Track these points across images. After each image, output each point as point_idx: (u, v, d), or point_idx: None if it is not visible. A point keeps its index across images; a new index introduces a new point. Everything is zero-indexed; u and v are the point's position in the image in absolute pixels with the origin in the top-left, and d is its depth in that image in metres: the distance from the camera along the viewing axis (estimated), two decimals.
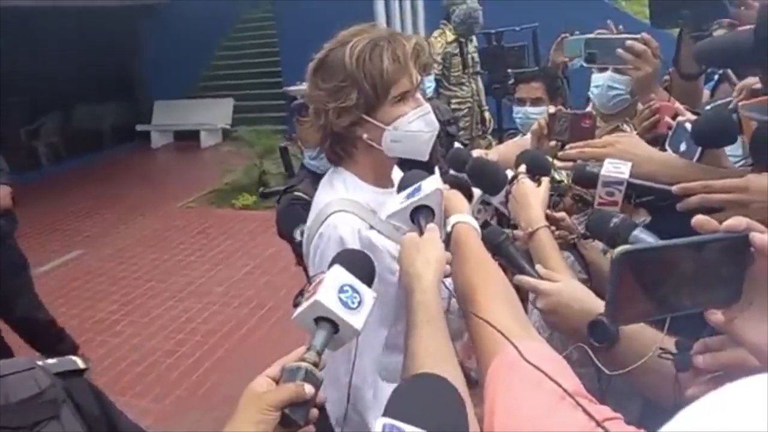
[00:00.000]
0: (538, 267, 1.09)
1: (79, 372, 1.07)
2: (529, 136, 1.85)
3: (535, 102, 2.42)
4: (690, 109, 1.50)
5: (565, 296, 1.01)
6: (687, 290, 0.64)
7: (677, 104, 1.56)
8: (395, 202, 1.08)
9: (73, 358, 1.10)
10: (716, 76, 2.09)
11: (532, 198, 1.20)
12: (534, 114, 2.37)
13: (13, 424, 0.90)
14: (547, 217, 1.24)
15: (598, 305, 0.96)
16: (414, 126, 1.25)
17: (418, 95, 1.28)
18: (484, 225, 1.20)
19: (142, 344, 4.07)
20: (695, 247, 0.64)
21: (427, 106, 1.29)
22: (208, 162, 8.58)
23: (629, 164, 1.17)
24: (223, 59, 10.77)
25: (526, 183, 1.24)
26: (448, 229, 1.09)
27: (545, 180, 1.26)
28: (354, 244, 1.19)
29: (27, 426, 0.91)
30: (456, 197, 1.14)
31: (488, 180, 1.28)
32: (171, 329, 4.24)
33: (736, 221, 0.63)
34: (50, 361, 1.09)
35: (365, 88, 1.20)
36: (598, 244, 1.50)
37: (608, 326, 0.92)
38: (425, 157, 1.31)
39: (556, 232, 1.33)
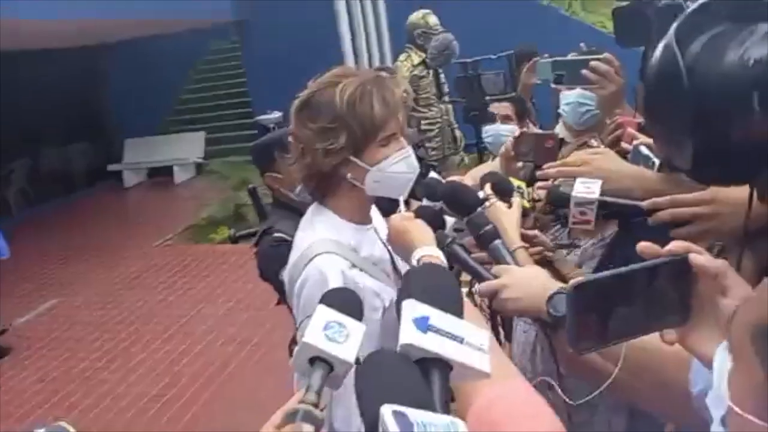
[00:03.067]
0: (494, 268, 1.11)
1: None
2: (498, 159, 1.89)
3: (505, 119, 2.48)
4: None
5: (521, 276, 1.05)
6: (640, 315, 0.67)
7: (638, 119, 1.61)
8: None
9: (62, 424, 1.08)
10: None
11: (505, 221, 1.23)
12: (504, 131, 2.42)
13: None
14: (522, 237, 1.27)
15: (555, 283, 1.00)
16: (396, 168, 1.29)
17: (401, 138, 1.31)
18: (463, 250, 1.21)
19: (128, 391, 3.99)
20: (643, 273, 0.68)
21: (409, 149, 1.32)
22: (184, 197, 8.53)
23: (599, 182, 1.20)
24: (192, 92, 10.75)
25: (498, 206, 1.27)
26: (414, 262, 1.10)
27: (516, 201, 1.30)
28: (338, 284, 1.19)
29: None
30: (419, 229, 1.15)
31: (462, 203, 1.30)
32: (157, 373, 4.16)
33: (676, 245, 0.68)
34: (39, 431, 1.06)
35: (354, 131, 1.23)
36: (572, 258, 1.53)
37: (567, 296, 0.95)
38: (404, 197, 1.34)
39: (532, 249, 1.36)
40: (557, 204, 1.28)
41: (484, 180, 1.35)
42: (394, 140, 1.28)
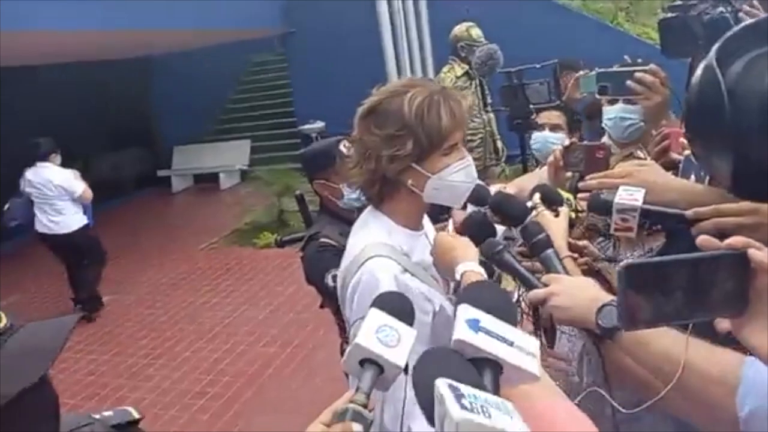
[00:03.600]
0: (544, 277, 1.11)
1: (135, 422, 1.12)
2: (545, 168, 1.90)
3: (554, 128, 2.45)
4: None
5: (571, 286, 1.05)
6: (692, 300, 0.69)
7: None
8: None
9: (128, 408, 1.15)
10: None
11: (553, 229, 1.24)
12: (552, 139, 2.39)
13: None
14: (570, 246, 1.27)
15: (606, 294, 1.01)
16: (456, 177, 1.32)
17: (462, 147, 1.35)
18: (513, 259, 1.22)
19: (172, 387, 4.13)
20: (698, 263, 0.70)
21: (469, 159, 1.36)
22: (228, 203, 8.73)
23: (643, 191, 1.21)
24: (238, 102, 11.04)
25: (545, 215, 1.29)
26: (457, 277, 1.13)
27: (564, 210, 1.31)
28: (391, 287, 1.22)
29: None
30: (463, 245, 1.18)
31: (509, 213, 1.33)
32: (200, 371, 4.29)
33: (735, 240, 0.70)
34: (106, 413, 1.14)
35: (421, 139, 1.26)
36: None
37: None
38: (460, 205, 1.39)
39: (580, 260, 1.37)
40: (596, 210, 1.28)
41: (534, 190, 1.37)
42: (456, 150, 1.32)
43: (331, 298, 2.01)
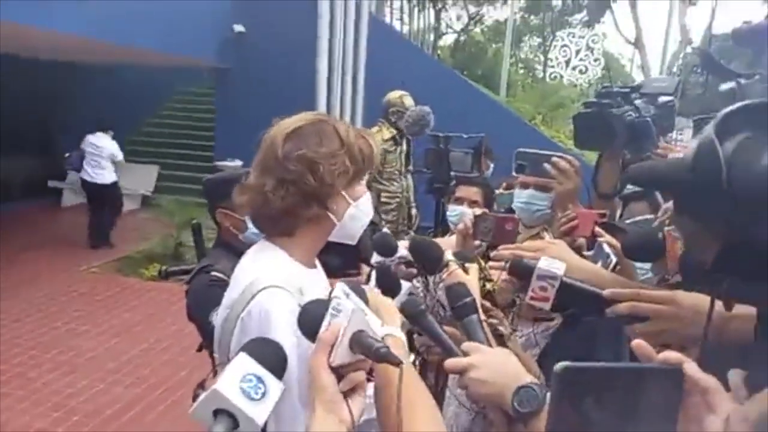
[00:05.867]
0: (464, 345, 1.06)
1: None
2: (454, 236, 1.90)
3: (472, 204, 2.50)
4: (609, 223, 1.61)
5: (492, 360, 1.00)
6: (621, 413, 0.66)
7: (595, 212, 1.67)
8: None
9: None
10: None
11: (470, 286, 1.20)
12: (470, 215, 2.44)
13: None
14: (481, 306, 1.24)
15: (525, 373, 0.97)
16: (366, 208, 1.30)
17: None
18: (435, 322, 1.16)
19: (14, 419, 3.61)
20: (632, 373, 0.67)
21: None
22: (123, 227, 8.18)
23: (564, 264, 1.21)
24: (156, 126, 10.64)
25: (458, 272, 1.25)
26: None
27: (473, 268, 1.28)
28: (287, 322, 1.11)
29: None
30: (387, 307, 1.09)
31: (428, 257, 1.31)
32: (47, 406, 3.79)
33: (669, 355, 0.67)
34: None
35: (357, 161, 1.24)
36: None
37: (536, 393, 0.91)
38: (355, 241, 1.32)
39: (487, 321, 1.35)
40: (516, 274, 1.26)
41: (410, 248, 1.35)
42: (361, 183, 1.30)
43: (211, 339, 1.84)
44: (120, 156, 7.58)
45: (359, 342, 0.86)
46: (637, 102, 1.67)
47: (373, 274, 1.26)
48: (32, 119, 9.43)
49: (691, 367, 0.66)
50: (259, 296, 1.16)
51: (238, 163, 7.40)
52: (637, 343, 0.69)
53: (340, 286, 0.92)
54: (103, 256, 6.98)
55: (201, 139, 9.92)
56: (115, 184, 7.55)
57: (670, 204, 1.22)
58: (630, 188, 1.95)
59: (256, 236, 2.05)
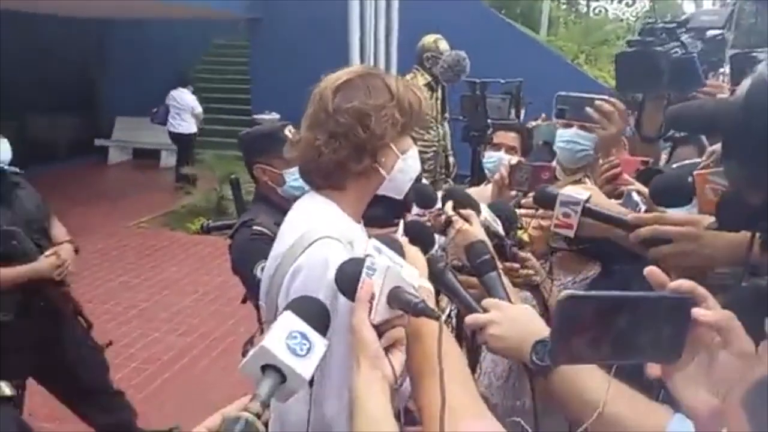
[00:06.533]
0: (484, 301, 1.07)
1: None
2: (490, 185, 1.86)
3: (510, 150, 2.45)
4: (651, 169, 1.55)
5: (512, 315, 1.02)
6: (628, 341, 0.66)
7: (639, 159, 1.61)
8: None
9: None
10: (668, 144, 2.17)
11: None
12: (507, 161, 2.40)
13: None
14: (515, 257, 1.26)
15: (545, 328, 0.98)
16: (413, 161, 1.31)
17: None
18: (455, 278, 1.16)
19: None
20: (640, 302, 0.66)
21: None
22: (166, 182, 8.39)
23: (589, 193, 1.22)
24: (193, 82, 10.69)
25: (467, 230, 1.22)
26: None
27: (473, 216, 1.24)
28: None
29: None
30: (415, 257, 1.07)
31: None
32: (107, 354, 4.01)
33: (680, 284, 0.67)
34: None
35: (406, 112, 1.24)
36: (555, 291, 1.51)
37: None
38: (402, 195, 1.33)
39: (522, 271, 1.35)
40: (540, 203, 1.27)
41: (444, 197, 1.30)
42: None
43: (256, 292, 1.89)
44: (199, 109, 8.41)
45: (397, 297, 0.88)
46: (684, 38, 1.56)
47: (401, 226, 1.25)
48: (74, 79, 9.61)
49: (700, 310, 0.65)
50: (314, 246, 1.17)
51: (276, 116, 7.41)
52: (650, 269, 0.69)
53: (372, 243, 0.93)
54: (151, 210, 7.19)
55: (238, 92, 9.93)
56: (193, 134, 8.55)
57: (716, 147, 1.16)
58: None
59: (294, 190, 2.08)
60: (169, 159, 9.44)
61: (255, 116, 8.33)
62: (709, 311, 0.65)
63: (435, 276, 1.10)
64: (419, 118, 1.29)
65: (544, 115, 2.39)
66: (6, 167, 2.67)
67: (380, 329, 0.88)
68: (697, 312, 0.65)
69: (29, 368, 2.62)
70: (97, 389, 2.91)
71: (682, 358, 0.67)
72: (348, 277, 0.92)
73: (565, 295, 0.65)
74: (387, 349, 0.87)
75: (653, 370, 0.68)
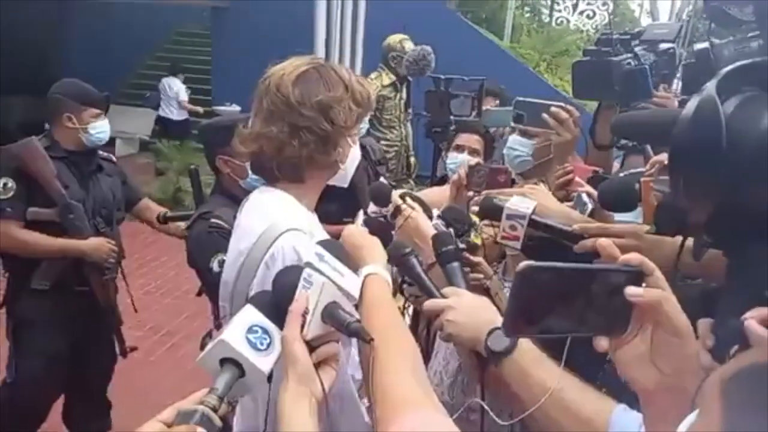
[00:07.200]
0: (445, 289, 1.09)
1: None
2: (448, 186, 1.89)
3: (472, 153, 2.48)
4: (604, 174, 1.61)
5: (470, 303, 1.04)
6: (580, 315, 0.67)
7: (591, 168, 1.66)
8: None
9: None
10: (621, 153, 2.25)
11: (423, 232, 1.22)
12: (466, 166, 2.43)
13: None
14: (466, 261, 1.26)
15: (501, 319, 0.99)
16: (357, 150, 1.33)
17: None
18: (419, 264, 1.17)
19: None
20: (595, 273, 0.68)
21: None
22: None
23: (534, 203, 1.24)
24: (153, 69, 10.42)
25: (416, 218, 1.24)
26: (360, 278, 1.05)
27: (417, 207, 1.27)
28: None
29: None
30: (371, 245, 1.10)
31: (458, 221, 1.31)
32: None
33: (631, 256, 0.68)
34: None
35: (360, 103, 1.24)
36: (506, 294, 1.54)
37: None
38: (347, 183, 1.35)
39: (471, 275, 1.36)
40: (486, 214, 1.30)
41: (440, 216, 1.33)
42: None
43: (212, 286, 1.86)
44: (183, 98, 8.89)
45: (331, 315, 0.87)
46: (638, 49, 1.62)
47: (359, 221, 1.26)
48: (28, 61, 9.23)
49: (648, 266, 0.67)
50: (282, 239, 1.16)
51: (236, 108, 7.30)
52: (601, 241, 0.72)
53: (314, 248, 0.92)
54: None
55: (199, 82, 9.74)
56: (185, 121, 9.03)
57: (660, 157, 1.21)
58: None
59: (257, 182, 2.05)
60: (123, 148, 9.17)
61: (215, 107, 8.20)
62: (640, 289, 0.66)
63: (398, 261, 1.11)
64: (370, 106, 1.31)
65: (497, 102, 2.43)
66: (101, 152, 2.75)
67: (313, 344, 0.87)
68: (629, 290, 0.66)
69: (58, 344, 2.54)
70: (98, 392, 2.81)
71: (629, 331, 0.68)
72: (284, 289, 0.90)
73: (524, 264, 0.66)
74: (318, 365, 0.86)
75: (601, 343, 0.69)
